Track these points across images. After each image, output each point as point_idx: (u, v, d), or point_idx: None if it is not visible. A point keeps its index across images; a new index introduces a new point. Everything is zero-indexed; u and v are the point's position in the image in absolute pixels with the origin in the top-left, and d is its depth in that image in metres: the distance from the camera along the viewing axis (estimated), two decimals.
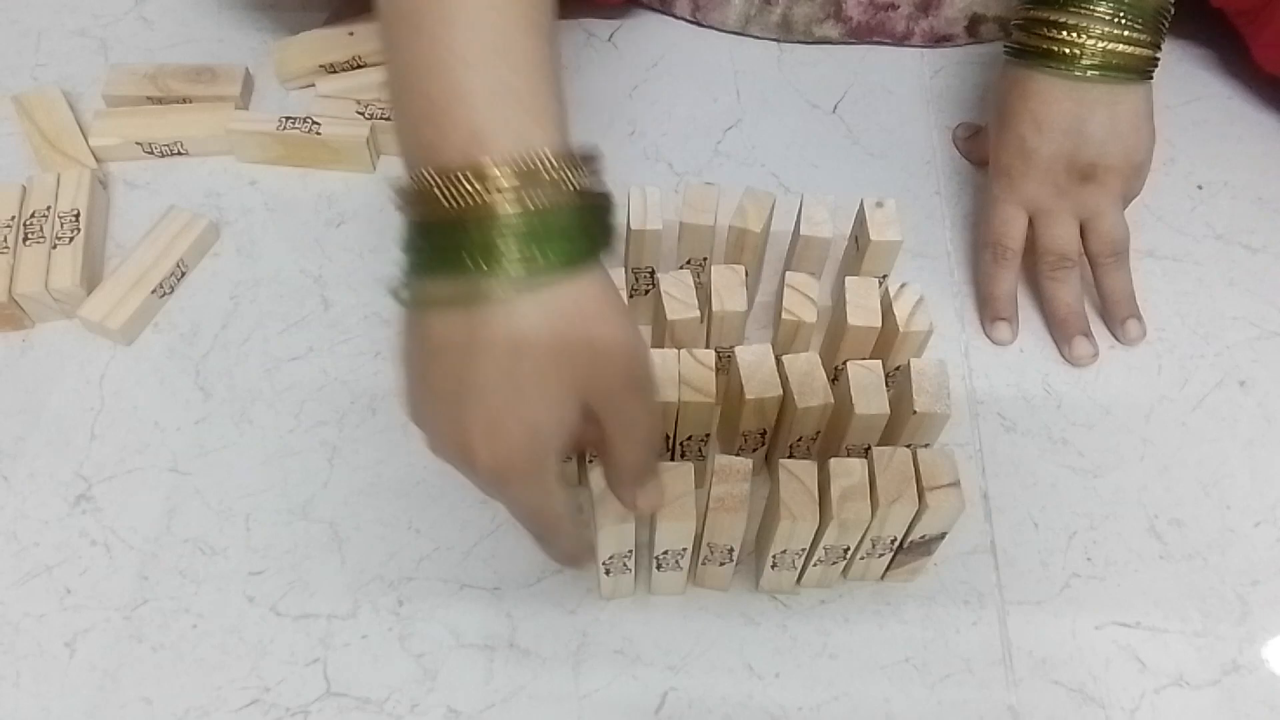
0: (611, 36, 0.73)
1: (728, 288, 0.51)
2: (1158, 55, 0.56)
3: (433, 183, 0.35)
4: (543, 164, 0.35)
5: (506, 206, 0.35)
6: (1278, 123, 0.70)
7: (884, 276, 0.56)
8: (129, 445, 0.54)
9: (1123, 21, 0.54)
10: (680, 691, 0.48)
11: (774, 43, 0.74)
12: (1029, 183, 0.58)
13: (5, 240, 0.58)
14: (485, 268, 0.35)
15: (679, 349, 0.48)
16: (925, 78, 0.72)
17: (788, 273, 0.53)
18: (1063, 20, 0.55)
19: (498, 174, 0.35)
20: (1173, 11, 0.56)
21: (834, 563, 0.48)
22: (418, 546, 0.51)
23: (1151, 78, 0.56)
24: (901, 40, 0.73)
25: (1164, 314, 0.61)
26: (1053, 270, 0.58)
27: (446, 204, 0.35)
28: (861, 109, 0.70)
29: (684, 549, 0.46)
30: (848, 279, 0.52)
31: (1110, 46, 0.54)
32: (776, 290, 0.60)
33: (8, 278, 0.57)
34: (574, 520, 0.42)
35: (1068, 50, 0.55)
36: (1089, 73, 0.55)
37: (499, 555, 0.51)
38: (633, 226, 0.53)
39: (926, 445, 0.50)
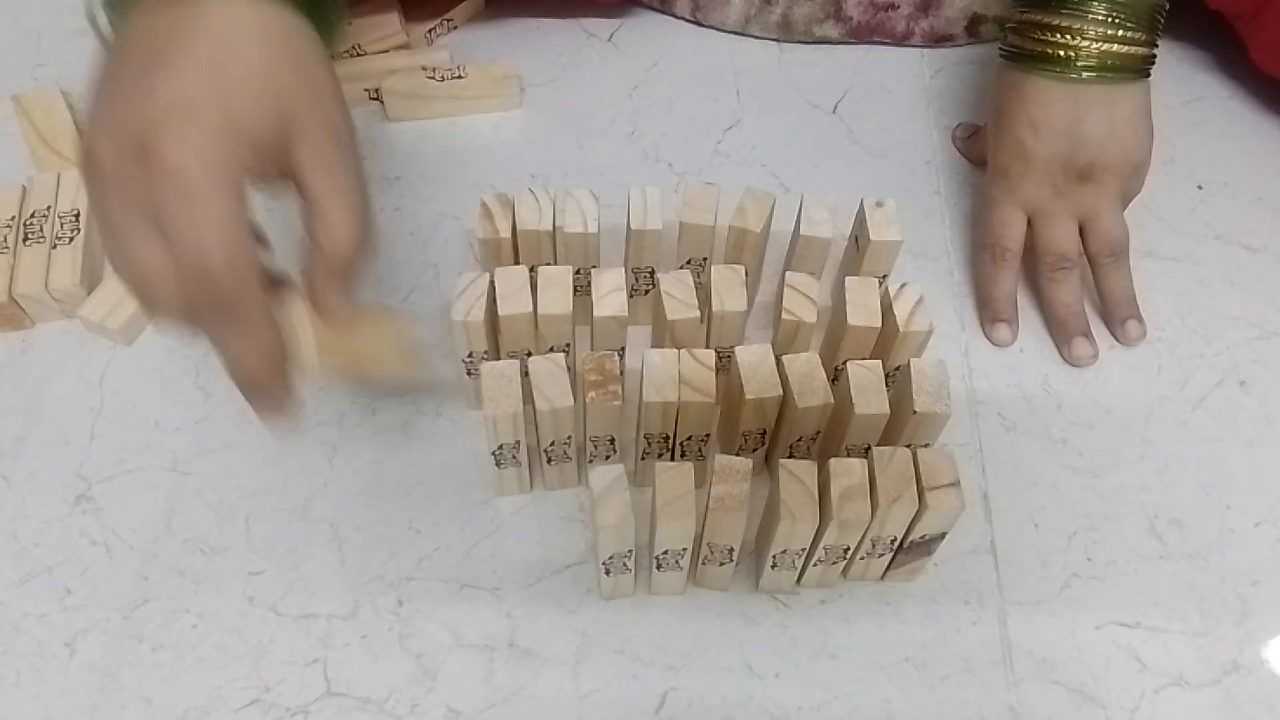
0: (611, 36, 0.73)
1: (728, 288, 0.51)
2: (1154, 53, 0.56)
3: None
4: None
5: None
6: (1278, 123, 0.70)
7: (884, 276, 0.56)
8: (129, 445, 0.54)
9: (1117, 21, 0.54)
10: (680, 691, 0.48)
11: (774, 43, 0.74)
12: (1027, 184, 0.58)
13: (5, 240, 0.58)
14: None
15: (679, 349, 0.48)
16: (925, 78, 0.72)
17: (788, 273, 0.53)
18: (1057, 23, 0.55)
19: None
20: (1168, 8, 0.56)
21: (834, 563, 0.48)
22: (418, 546, 0.52)
23: (1149, 76, 0.56)
24: (901, 40, 0.73)
25: (1164, 314, 0.61)
26: (1052, 271, 0.58)
27: None
28: (861, 109, 0.70)
29: (684, 549, 0.46)
30: (848, 279, 0.52)
31: (1106, 47, 0.54)
32: (776, 290, 0.60)
33: (8, 278, 0.57)
34: (271, 317, 0.36)
35: (1063, 53, 0.55)
36: (1085, 74, 0.55)
37: (499, 555, 0.51)
38: (633, 226, 0.53)
39: (926, 445, 0.50)
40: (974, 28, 0.73)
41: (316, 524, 0.52)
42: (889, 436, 0.49)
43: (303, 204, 0.37)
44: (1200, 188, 0.67)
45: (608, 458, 0.50)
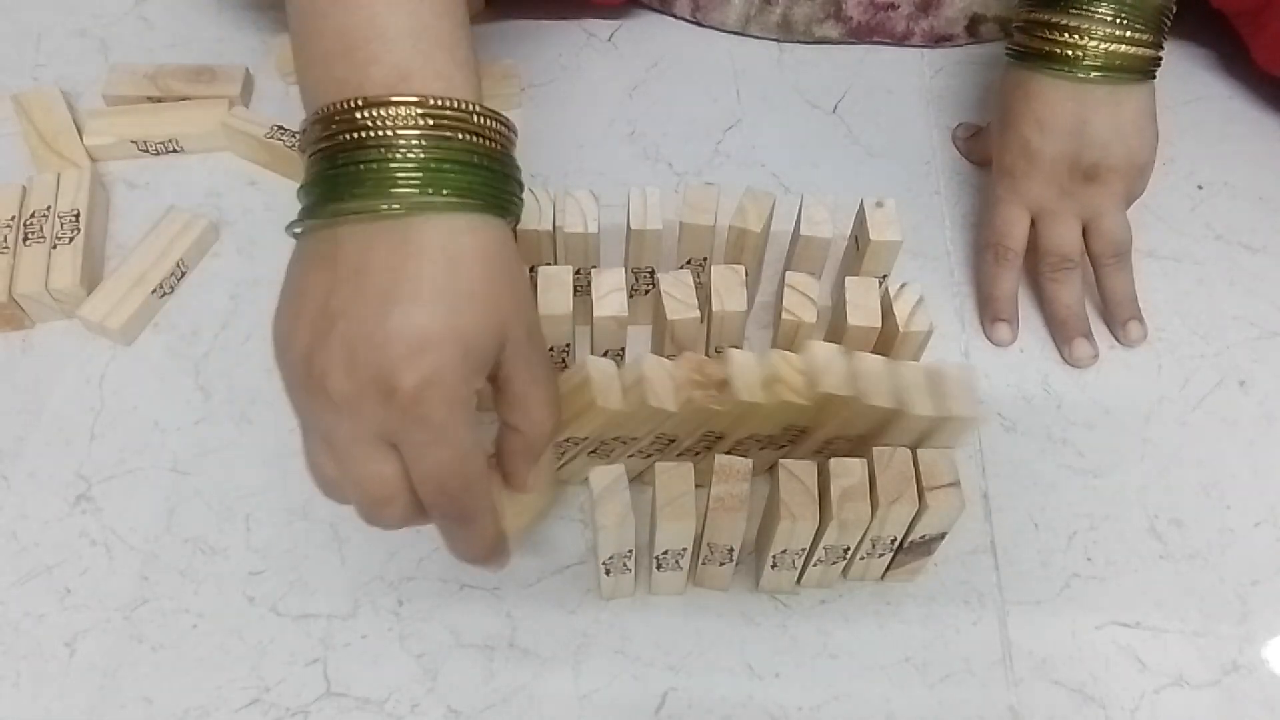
0: (611, 36, 0.73)
1: (728, 288, 0.51)
2: (1160, 55, 0.56)
3: (357, 111, 0.36)
4: (475, 112, 0.37)
5: (443, 136, 0.36)
6: (1278, 123, 0.70)
7: (884, 276, 0.56)
8: (129, 445, 0.54)
9: (1124, 22, 0.54)
10: (680, 691, 0.48)
11: (774, 43, 0.74)
12: (1032, 183, 0.58)
13: (5, 240, 0.58)
14: (415, 190, 0.35)
15: (679, 350, 0.48)
16: (925, 78, 0.72)
17: (788, 273, 0.53)
18: (1064, 22, 0.55)
19: (435, 109, 0.36)
20: (1174, 10, 0.56)
21: (834, 563, 0.48)
22: (418, 546, 0.51)
23: (1154, 77, 0.56)
24: (901, 40, 0.73)
25: (1164, 314, 0.61)
26: (1054, 271, 0.58)
27: (373, 132, 0.35)
28: (861, 109, 0.70)
29: (684, 549, 0.46)
30: (848, 279, 0.52)
31: (1112, 48, 0.54)
32: (776, 290, 0.60)
33: (8, 278, 0.57)
34: (491, 496, 0.39)
35: (1070, 52, 0.55)
36: (1091, 74, 0.55)
37: None
38: (633, 226, 0.53)
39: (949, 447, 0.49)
40: (974, 28, 0.73)
41: (316, 524, 0.52)
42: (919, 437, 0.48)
43: (498, 392, 0.39)
44: (1200, 188, 0.67)
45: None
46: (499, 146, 0.38)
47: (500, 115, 0.38)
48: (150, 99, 0.67)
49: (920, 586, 0.51)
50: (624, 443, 0.49)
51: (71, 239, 0.58)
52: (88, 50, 0.71)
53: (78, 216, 0.59)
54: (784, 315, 0.51)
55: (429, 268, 0.35)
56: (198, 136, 0.65)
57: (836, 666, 0.49)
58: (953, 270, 0.63)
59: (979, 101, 0.71)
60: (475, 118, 0.37)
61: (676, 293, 0.51)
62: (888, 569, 0.50)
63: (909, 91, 0.71)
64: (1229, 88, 0.72)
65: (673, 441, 0.49)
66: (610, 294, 0.50)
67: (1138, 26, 0.54)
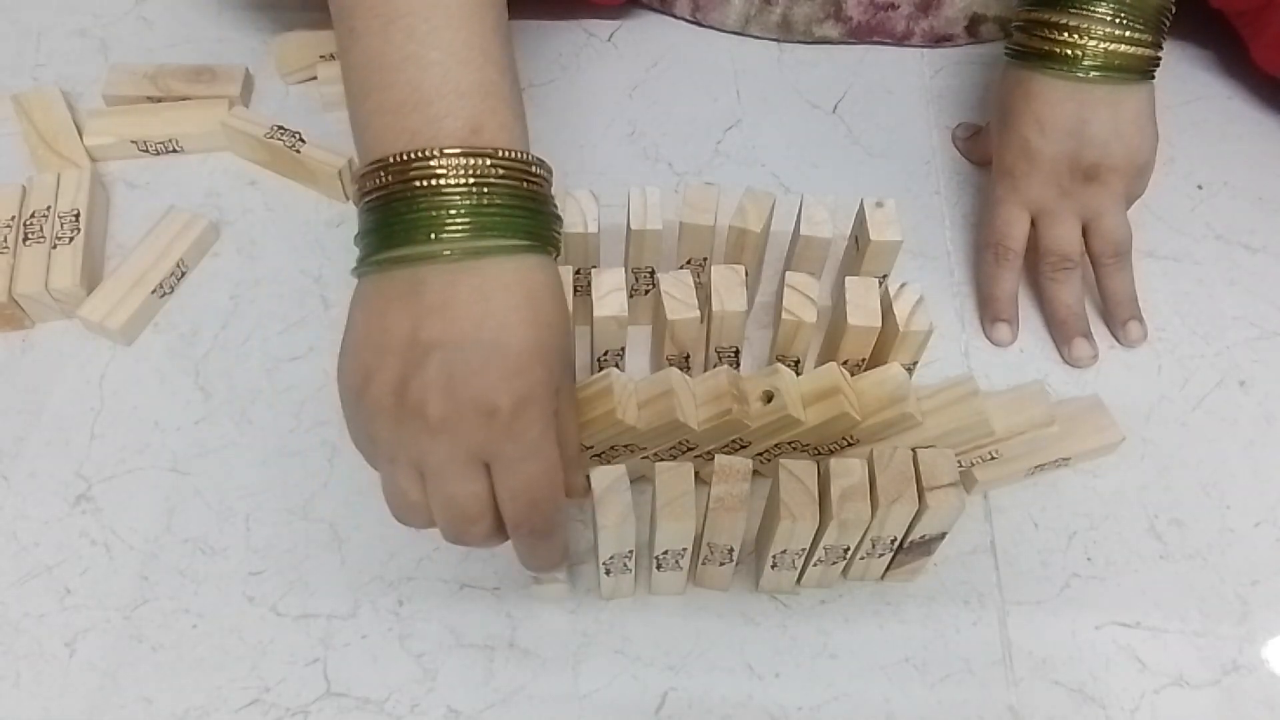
0: (611, 36, 0.73)
1: (728, 288, 0.51)
2: (1159, 55, 0.56)
3: (439, 159, 0.38)
4: (533, 163, 0.41)
5: (502, 184, 0.39)
6: (1278, 123, 0.70)
7: (884, 276, 0.56)
8: (129, 445, 0.54)
9: (1123, 22, 0.54)
10: (680, 691, 0.48)
11: (774, 43, 0.74)
12: (1032, 183, 0.58)
13: (5, 240, 0.58)
14: (495, 232, 0.39)
15: (680, 351, 0.48)
16: (925, 78, 0.72)
17: (788, 273, 0.53)
18: (1063, 21, 0.55)
19: (501, 157, 0.39)
20: (1174, 10, 0.56)
21: (834, 563, 0.48)
22: (418, 546, 0.51)
23: (1153, 77, 0.56)
24: (901, 40, 0.73)
25: (1164, 314, 0.61)
26: (1054, 271, 0.58)
27: (451, 180, 0.38)
28: (861, 109, 0.70)
29: (684, 549, 0.46)
30: (848, 279, 0.52)
31: (1111, 47, 0.54)
32: (776, 290, 0.60)
33: (8, 278, 0.57)
34: (566, 519, 0.42)
35: (1069, 51, 0.55)
36: (1091, 73, 0.55)
37: (499, 555, 0.51)
38: (633, 226, 0.53)
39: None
40: (974, 28, 0.73)
41: (316, 524, 0.52)
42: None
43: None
44: (1200, 188, 0.67)
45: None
46: (546, 190, 0.42)
47: (542, 161, 0.42)
48: (150, 99, 0.67)
49: (920, 586, 0.51)
50: (632, 450, 0.49)
51: (71, 239, 0.58)
52: (88, 50, 0.71)
53: (78, 216, 0.59)
54: (784, 315, 0.51)
55: (514, 300, 0.38)
56: (198, 136, 0.65)
57: (836, 666, 0.49)
58: (953, 270, 0.63)
59: (979, 101, 0.71)
60: (532, 168, 0.41)
61: (676, 293, 0.50)
62: (888, 569, 0.50)
63: (909, 91, 0.71)
64: (1229, 88, 0.72)
65: (691, 448, 0.49)
66: (610, 294, 0.50)
67: (1137, 26, 0.54)
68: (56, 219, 0.59)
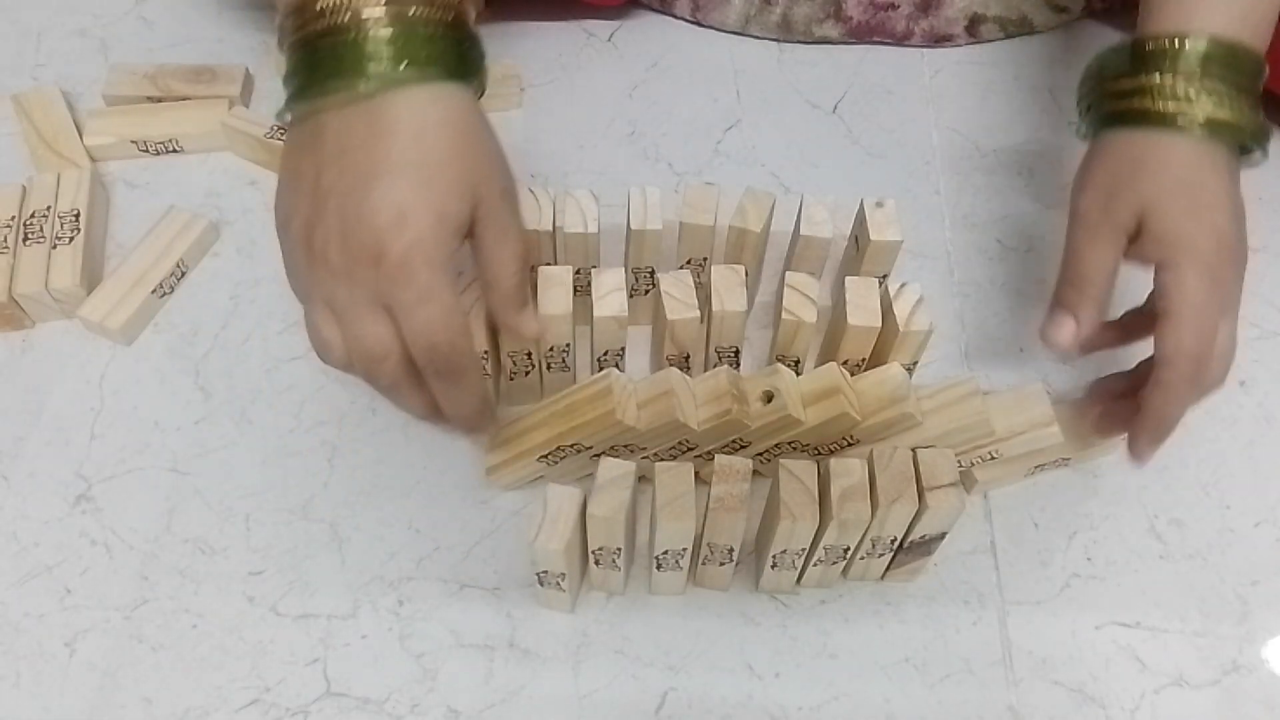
0: (611, 36, 0.73)
1: (728, 288, 0.51)
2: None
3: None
4: None
5: (394, 13, 0.39)
6: (1277, 123, 0.70)
7: (884, 276, 0.56)
8: (129, 445, 0.54)
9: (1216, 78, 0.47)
10: (680, 691, 0.48)
11: (774, 43, 0.74)
12: (1222, 270, 0.50)
13: (5, 240, 0.58)
14: (383, 66, 0.39)
15: (681, 350, 0.48)
16: (925, 78, 0.72)
17: (788, 273, 0.53)
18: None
19: None
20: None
21: (834, 563, 0.48)
22: (418, 546, 0.52)
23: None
24: (901, 40, 0.73)
25: None
26: (1188, 381, 0.47)
27: (335, 17, 0.39)
28: (861, 109, 0.70)
29: (684, 549, 0.46)
30: (848, 279, 0.52)
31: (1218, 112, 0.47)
32: (776, 290, 0.60)
33: (8, 278, 0.57)
34: (476, 353, 0.43)
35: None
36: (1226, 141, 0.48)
37: (499, 555, 0.51)
38: (633, 226, 0.53)
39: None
40: (974, 28, 0.73)
41: (316, 524, 0.52)
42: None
43: (474, 249, 0.43)
44: None
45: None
46: (453, 16, 0.41)
47: None
48: (150, 99, 0.67)
49: (920, 586, 0.51)
50: (632, 450, 0.49)
51: (71, 239, 0.58)
52: (88, 50, 0.71)
53: (78, 216, 0.59)
54: (784, 315, 0.51)
55: (400, 143, 0.39)
56: (198, 136, 0.65)
57: (836, 666, 0.49)
58: (953, 270, 0.63)
59: (979, 101, 0.71)
60: None
61: (676, 293, 0.51)
62: (888, 569, 0.50)
63: (909, 91, 0.71)
64: None
65: (692, 448, 0.49)
66: (610, 294, 0.50)
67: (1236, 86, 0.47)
68: (56, 219, 0.59)
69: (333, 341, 0.41)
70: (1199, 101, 0.47)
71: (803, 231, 0.54)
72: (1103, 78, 0.51)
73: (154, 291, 0.58)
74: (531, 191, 0.54)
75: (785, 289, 0.52)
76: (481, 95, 0.44)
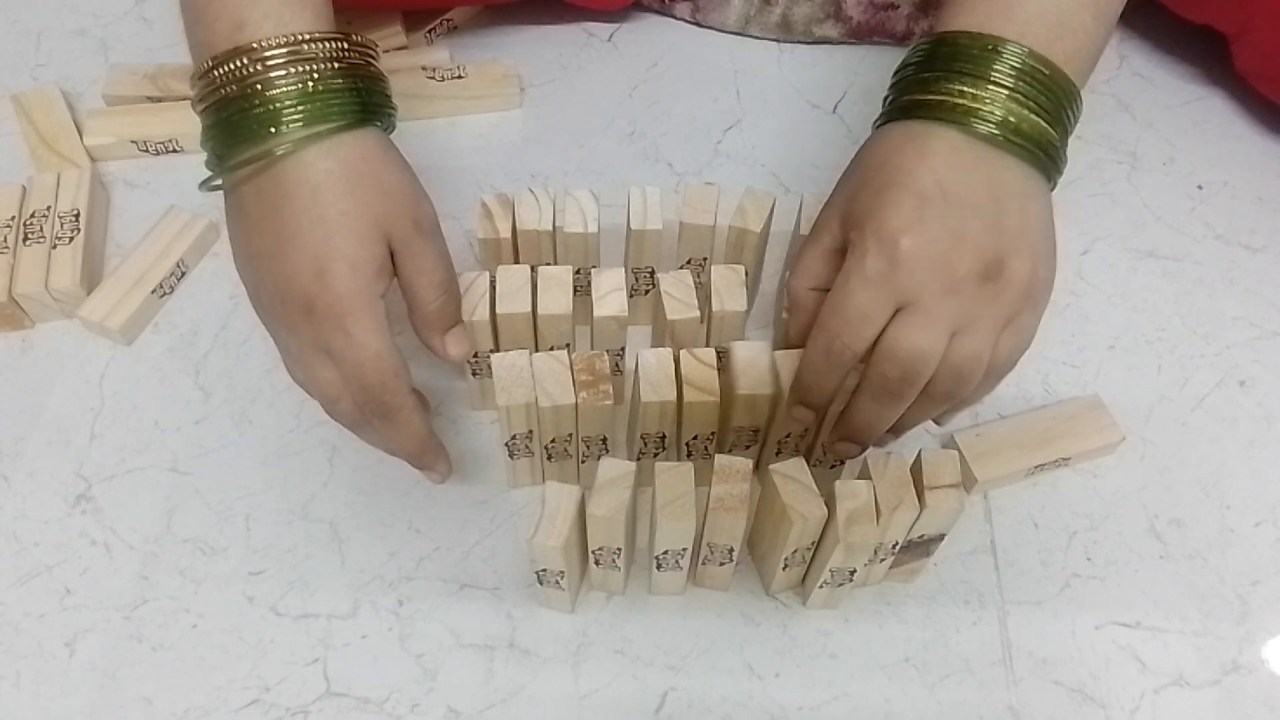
0: (611, 37, 0.73)
1: (728, 288, 0.51)
2: (1060, 146, 0.44)
3: (211, 70, 0.41)
4: (304, 41, 0.41)
5: (277, 76, 0.40)
6: (1277, 123, 0.70)
7: None
8: (129, 445, 0.54)
9: (1024, 90, 0.43)
10: (680, 691, 0.48)
11: (774, 43, 0.74)
12: (916, 267, 0.41)
13: (5, 240, 0.58)
14: (271, 130, 0.40)
15: (677, 348, 0.48)
16: None
17: (788, 272, 0.53)
18: (956, 87, 0.45)
19: (264, 52, 0.40)
20: (1079, 108, 0.45)
21: (840, 585, 0.48)
22: (418, 546, 0.52)
23: (1053, 183, 0.44)
24: (901, 40, 0.73)
25: (1164, 314, 0.61)
26: (897, 386, 0.42)
27: (225, 88, 0.41)
28: (861, 109, 0.70)
29: (684, 549, 0.46)
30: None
31: (1014, 109, 0.42)
32: (776, 290, 0.60)
33: (8, 278, 0.57)
34: (419, 401, 0.45)
35: (969, 104, 0.43)
36: (994, 131, 0.42)
37: (499, 555, 0.51)
38: (633, 226, 0.53)
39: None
40: None
41: (316, 524, 0.52)
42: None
43: (398, 280, 0.44)
44: (1200, 188, 0.67)
45: (599, 457, 0.50)
46: (333, 65, 0.42)
47: (334, 34, 0.42)
48: (150, 99, 0.67)
49: (920, 586, 0.51)
50: (588, 443, 0.49)
51: (71, 239, 0.58)
52: (88, 50, 0.71)
53: (78, 216, 0.59)
54: (784, 315, 0.51)
55: (299, 204, 0.41)
56: (198, 136, 0.64)
57: (836, 666, 0.49)
58: None
59: None
60: (305, 46, 0.41)
61: (676, 293, 0.51)
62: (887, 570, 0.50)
63: None
64: (1229, 88, 0.72)
65: (663, 439, 0.49)
66: (610, 294, 0.50)
67: (1041, 100, 0.43)
68: (56, 219, 0.59)
69: (303, 383, 0.44)
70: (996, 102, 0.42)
71: (803, 231, 0.54)
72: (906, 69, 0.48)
73: (154, 291, 0.58)
74: (531, 191, 0.54)
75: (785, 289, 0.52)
76: (391, 131, 0.45)
